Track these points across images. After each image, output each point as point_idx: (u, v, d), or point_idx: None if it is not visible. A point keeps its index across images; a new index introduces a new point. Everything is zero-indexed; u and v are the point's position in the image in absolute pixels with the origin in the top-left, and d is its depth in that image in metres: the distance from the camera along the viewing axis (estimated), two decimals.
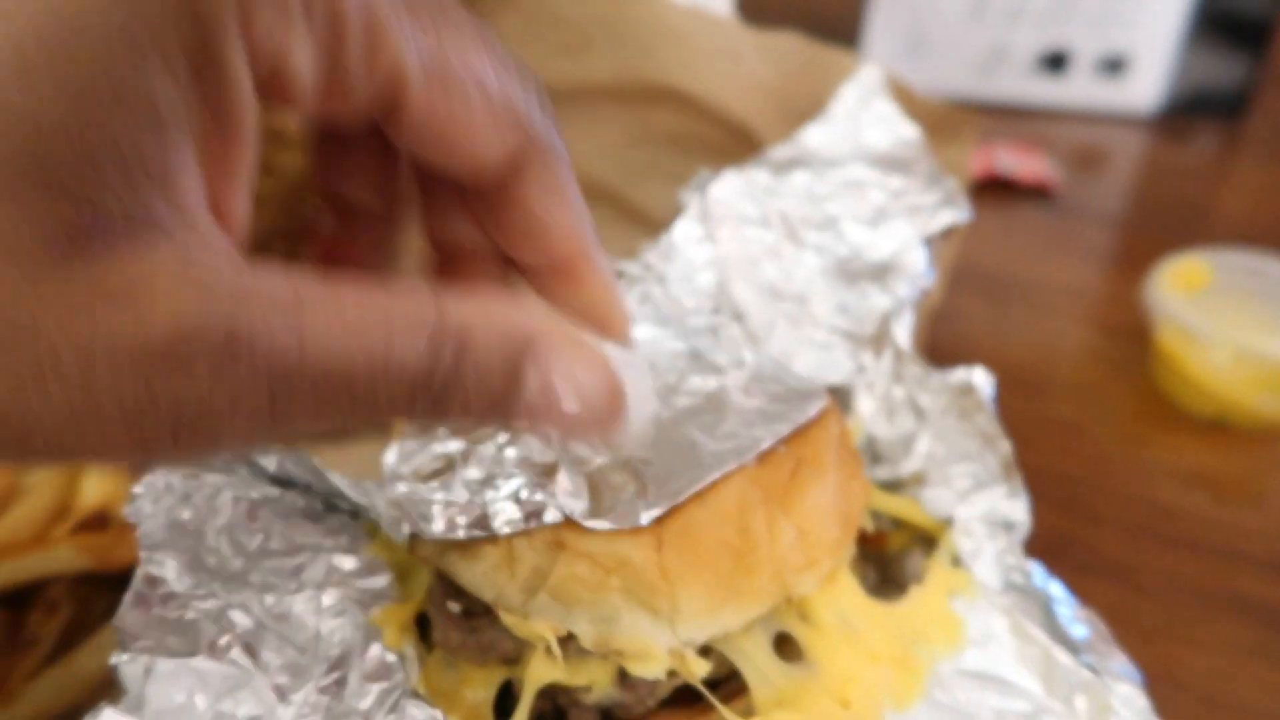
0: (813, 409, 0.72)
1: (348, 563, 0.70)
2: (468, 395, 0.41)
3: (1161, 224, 1.62)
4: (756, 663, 0.68)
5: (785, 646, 0.71)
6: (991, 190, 1.64)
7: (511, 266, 0.54)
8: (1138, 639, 0.85)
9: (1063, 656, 0.67)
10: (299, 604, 0.66)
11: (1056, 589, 0.74)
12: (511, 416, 0.43)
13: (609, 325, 0.54)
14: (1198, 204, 1.71)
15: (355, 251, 0.55)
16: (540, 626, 0.64)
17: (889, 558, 0.86)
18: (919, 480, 0.85)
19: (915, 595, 0.72)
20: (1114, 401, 1.21)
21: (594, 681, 0.66)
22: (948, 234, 0.91)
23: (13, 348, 0.34)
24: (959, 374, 0.83)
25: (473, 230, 0.54)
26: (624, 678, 0.67)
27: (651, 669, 0.64)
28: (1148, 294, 1.19)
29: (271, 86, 0.41)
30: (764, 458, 0.71)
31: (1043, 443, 1.12)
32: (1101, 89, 1.85)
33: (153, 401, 0.35)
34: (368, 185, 0.53)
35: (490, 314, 0.41)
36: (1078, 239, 1.61)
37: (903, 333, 0.87)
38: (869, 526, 0.78)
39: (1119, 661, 0.68)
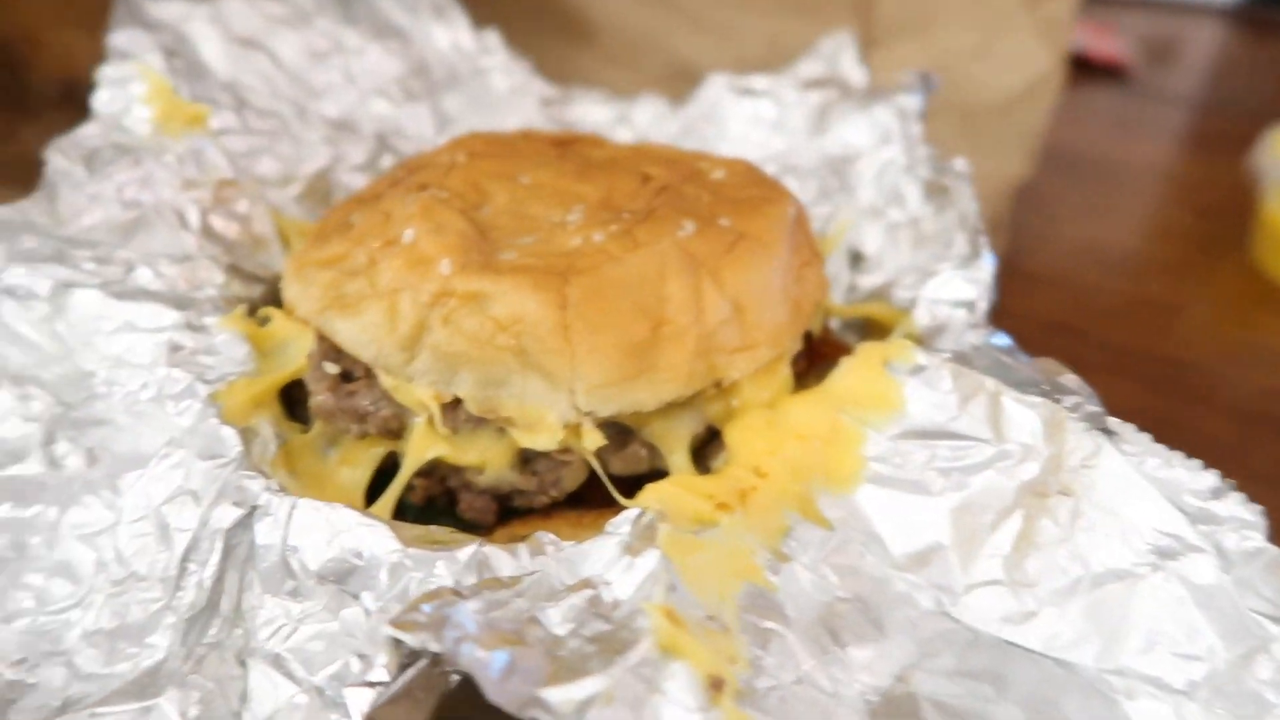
0: None
1: (190, 341, 0.61)
2: None
3: (1243, 109, 1.50)
4: (677, 455, 0.59)
5: (716, 451, 0.62)
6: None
7: None
8: None
9: (1013, 394, 0.57)
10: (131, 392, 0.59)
11: (1007, 345, 0.64)
12: None
13: None
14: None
15: None
16: (421, 391, 0.56)
17: None
18: (893, 285, 0.76)
19: (844, 366, 0.62)
20: (1213, 282, 1.09)
21: (487, 461, 0.58)
22: None
23: None
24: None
25: None
26: (525, 462, 0.59)
27: (542, 440, 0.55)
28: (1257, 161, 1.06)
29: None
30: (702, 229, 0.61)
31: (1139, 322, 1.02)
32: None
33: None
34: None
35: None
36: (1155, 120, 1.50)
37: None
38: (815, 329, 0.68)
39: (1069, 379, 0.58)
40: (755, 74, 0.98)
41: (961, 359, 0.60)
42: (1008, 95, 1.05)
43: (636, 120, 1.02)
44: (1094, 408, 0.55)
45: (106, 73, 0.73)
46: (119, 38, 0.76)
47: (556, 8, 1.12)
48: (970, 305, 0.68)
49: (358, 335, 0.57)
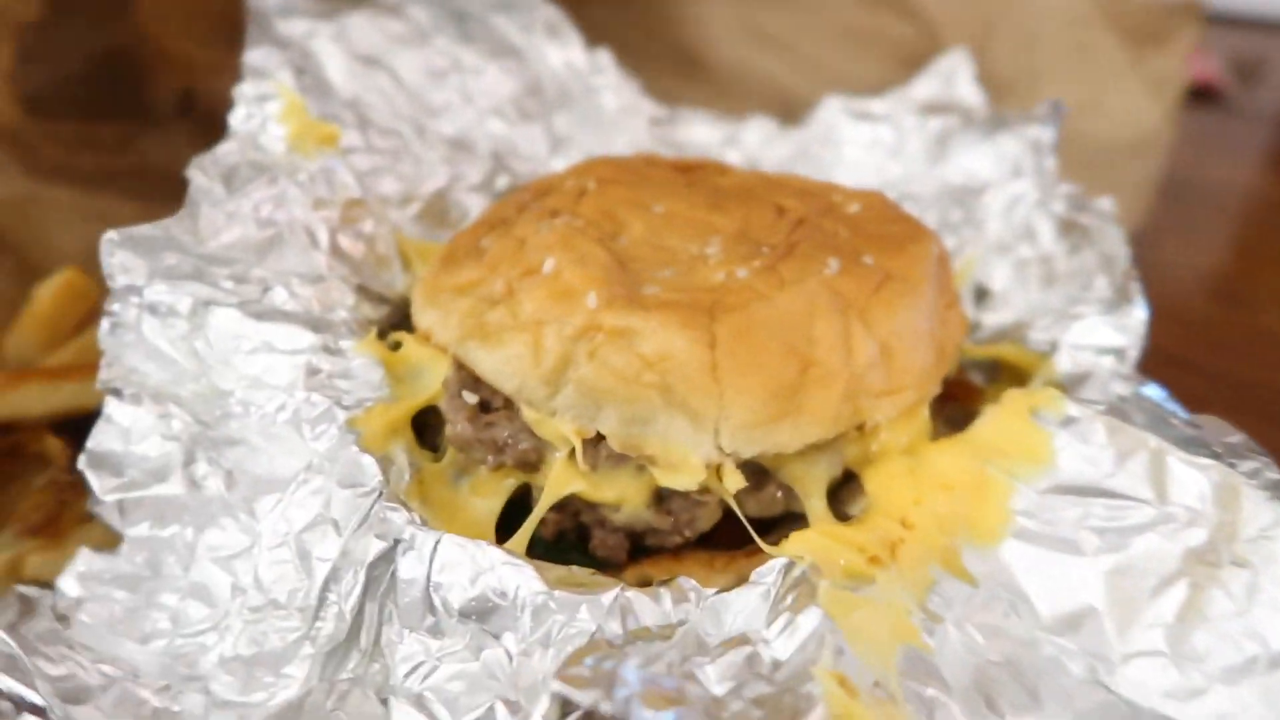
0: None
1: (326, 364, 0.61)
2: None
3: None
4: (814, 499, 0.58)
5: (852, 495, 0.61)
6: None
7: None
8: None
9: (1179, 453, 0.54)
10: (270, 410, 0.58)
11: (1161, 397, 0.61)
12: None
13: None
14: None
15: None
16: (564, 426, 0.55)
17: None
18: (1025, 326, 0.73)
19: (989, 415, 0.59)
20: None
21: (623, 499, 0.56)
22: None
23: None
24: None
25: None
26: (660, 500, 0.57)
27: (683, 480, 0.54)
28: None
29: None
30: (848, 268, 0.60)
31: (1256, 354, 0.98)
32: None
33: None
34: None
35: None
36: (1249, 140, 1.46)
37: None
38: (953, 371, 0.66)
39: (1238, 439, 0.55)
40: (871, 97, 0.97)
41: (1115, 411, 0.58)
42: (1117, 149, 1.03)
43: (745, 141, 1.01)
44: (1275, 475, 0.52)
45: (244, 90, 0.73)
46: (254, 55, 0.77)
47: (669, 42, 1.12)
48: (1119, 353, 0.65)
49: (500, 367, 0.57)
